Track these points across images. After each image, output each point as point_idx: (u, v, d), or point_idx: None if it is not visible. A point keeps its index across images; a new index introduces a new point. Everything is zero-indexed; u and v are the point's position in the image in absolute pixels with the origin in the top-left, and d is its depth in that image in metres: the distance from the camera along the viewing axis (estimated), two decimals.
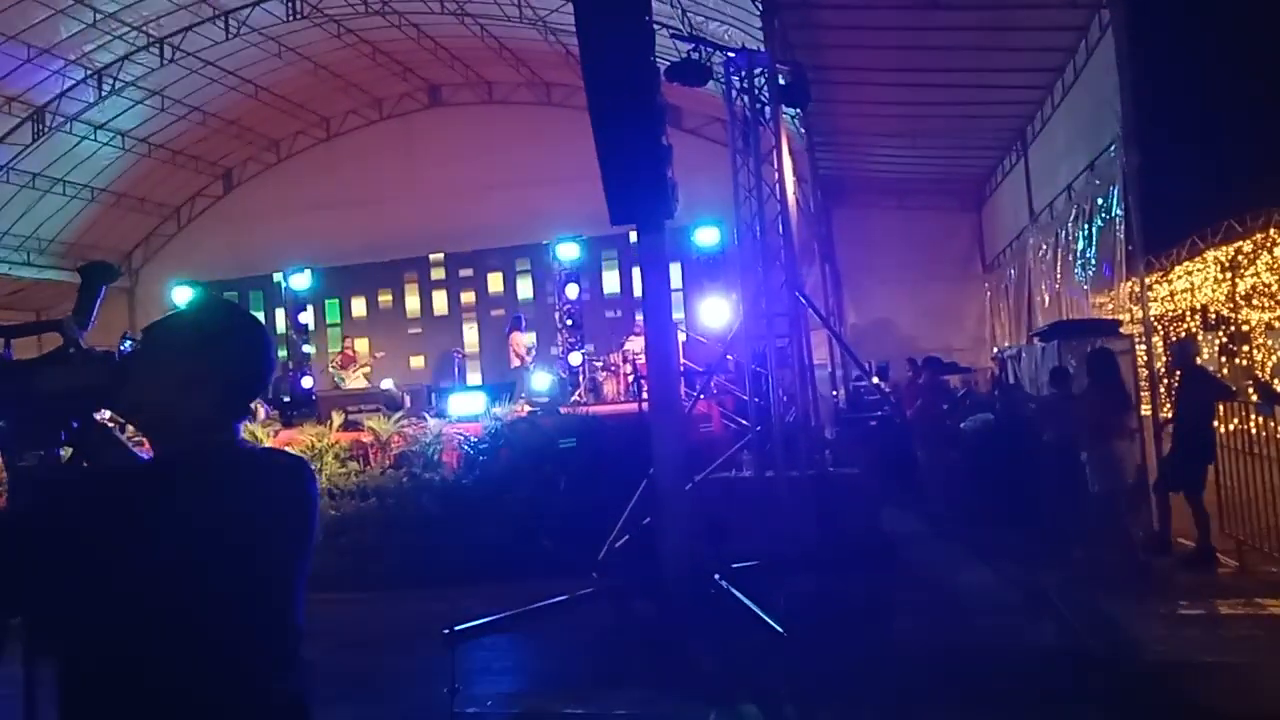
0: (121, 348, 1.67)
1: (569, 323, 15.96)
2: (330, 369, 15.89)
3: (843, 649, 5.82)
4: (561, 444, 8.62)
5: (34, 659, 1.59)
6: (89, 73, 15.90)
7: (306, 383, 15.53)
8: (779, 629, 5.96)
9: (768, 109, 9.14)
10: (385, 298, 19.18)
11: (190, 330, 1.64)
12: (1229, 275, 15.88)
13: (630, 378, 13.07)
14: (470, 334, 18.64)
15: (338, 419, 11.06)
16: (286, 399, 14.50)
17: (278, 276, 16.46)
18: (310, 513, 1.66)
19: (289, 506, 1.60)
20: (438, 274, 18.98)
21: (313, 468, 1.73)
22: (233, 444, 1.62)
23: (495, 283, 18.75)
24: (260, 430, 11.30)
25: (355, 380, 15.41)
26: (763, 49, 9.63)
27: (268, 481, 1.60)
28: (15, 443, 1.58)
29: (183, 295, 15.95)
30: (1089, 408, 7.39)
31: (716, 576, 6.67)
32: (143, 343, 1.61)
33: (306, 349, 16.54)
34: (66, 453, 1.65)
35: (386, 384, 13.93)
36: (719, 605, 6.45)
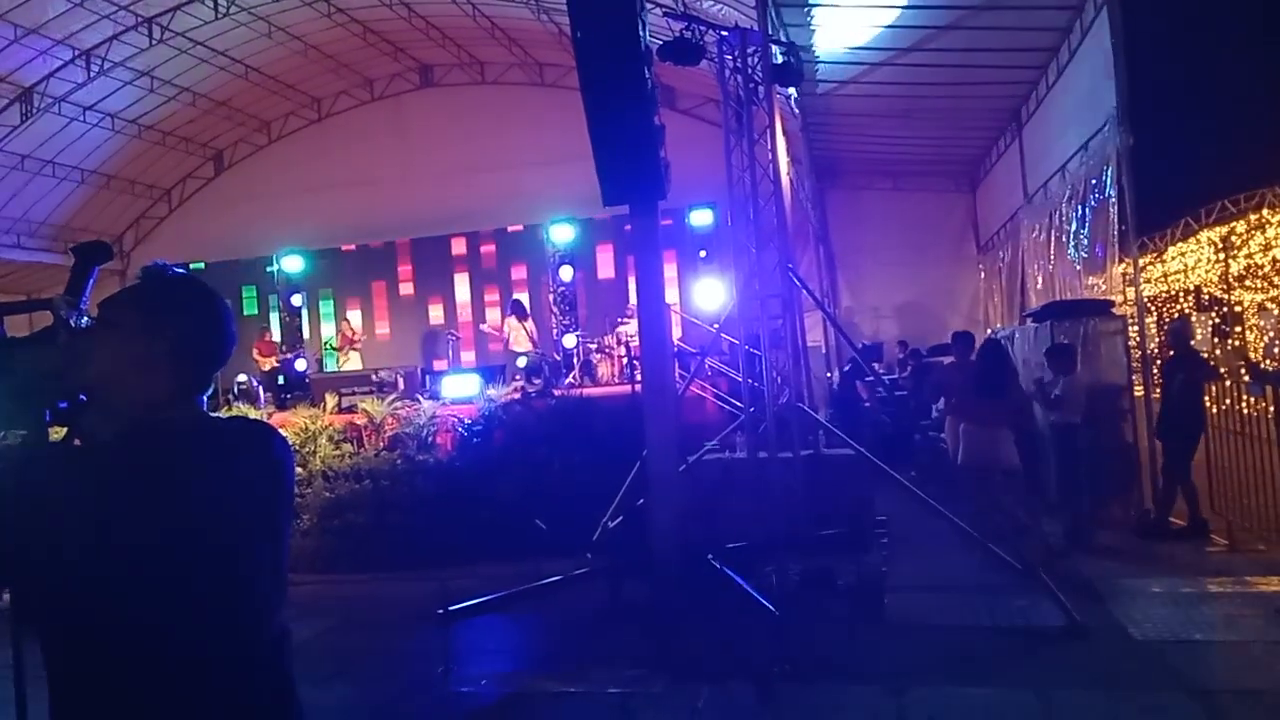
0: (80, 323, 1.65)
1: (564, 305, 15.97)
2: (333, 350, 15.83)
3: (835, 628, 5.86)
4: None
5: (22, 637, 1.59)
6: (77, 53, 15.72)
7: (300, 365, 15.52)
8: (771, 608, 6.00)
9: (761, 88, 9.09)
10: (378, 280, 19.12)
11: (144, 303, 1.62)
12: (1222, 256, 15.93)
13: (624, 360, 13.07)
14: (464, 316, 18.58)
15: (331, 401, 11.06)
16: (281, 380, 14.49)
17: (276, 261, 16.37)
18: (279, 478, 1.63)
19: (254, 474, 1.58)
20: (431, 256, 18.90)
21: (283, 434, 1.70)
22: (195, 417, 1.61)
23: (488, 265, 18.68)
24: (254, 412, 11.30)
25: (351, 362, 15.41)
26: (756, 27, 9.56)
27: (230, 451, 1.58)
28: (0, 420, 1.57)
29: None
30: (962, 387, 7.62)
31: (709, 557, 6.70)
32: (98, 319, 1.60)
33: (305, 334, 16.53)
34: (60, 432, 1.64)
35: (383, 373, 13.91)
36: (712, 585, 6.48)
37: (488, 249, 18.59)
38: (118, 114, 17.83)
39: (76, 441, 1.66)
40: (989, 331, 15.57)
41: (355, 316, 17.52)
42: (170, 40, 16.01)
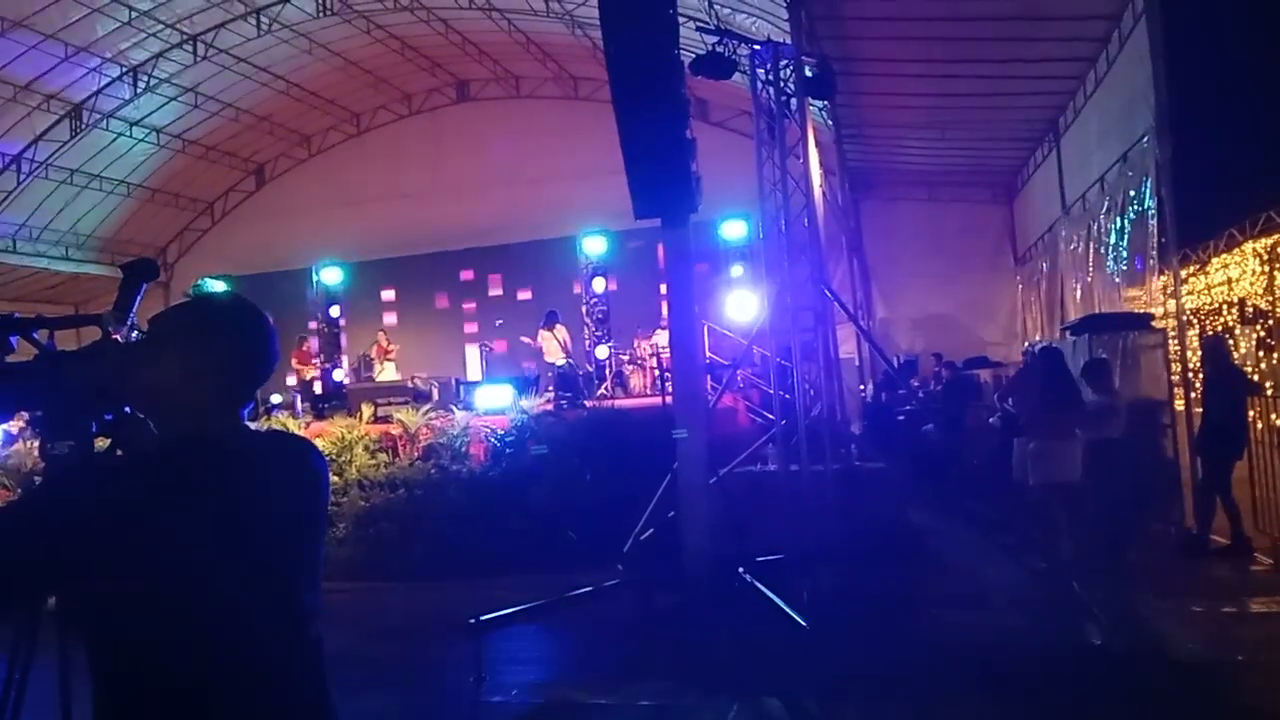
0: (131, 336, 1.71)
1: (600, 316, 16.03)
2: (371, 359, 16.04)
3: (867, 643, 5.80)
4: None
5: (68, 643, 1.64)
6: (124, 70, 16.18)
7: (338, 375, 15.74)
8: (802, 622, 5.97)
9: (793, 101, 9.10)
10: (415, 292, 19.33)
11: (194, 320, 1.67)
12: (1268, 268, 15.57)
13: (656, 371, 13.10)
14: (498, 327, 18.71)
15: (367, 411, 11.21)
16: (319, 390, 14.72)
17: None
18: (316, 489, 1.68)
19: (293, 486, 1.63)
20: (466, 268, 19.08)
21: (319, 447, 1.75)
22: (237, 429, 1.66)
23: (523, 277, 18.81)
24: (292, 422, 11.49)
25: (386, 373, 15.60)
26: (789, 41, 9.57)
27: (272, 463, 1.64)
28: (49, 432, 1.63)
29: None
30: (1033, 403, 7.44)
31: (741, 570, 6.68)
32: (149, 332, 1.65)
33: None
34: (104, 443, 1.70)
35: (415, 382, 14.08)
36: (743, 598, 6.47)
37: (523, 260, 18.72)
38: (163, 129, 18.28)
39: (119, 453, 1.72)
40: (1027, 344, 15.37)
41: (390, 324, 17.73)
42: (214, 57, 16.43)
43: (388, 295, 19.34)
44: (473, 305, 19.01)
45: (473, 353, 18.07)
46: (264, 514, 1.55)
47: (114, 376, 1.64)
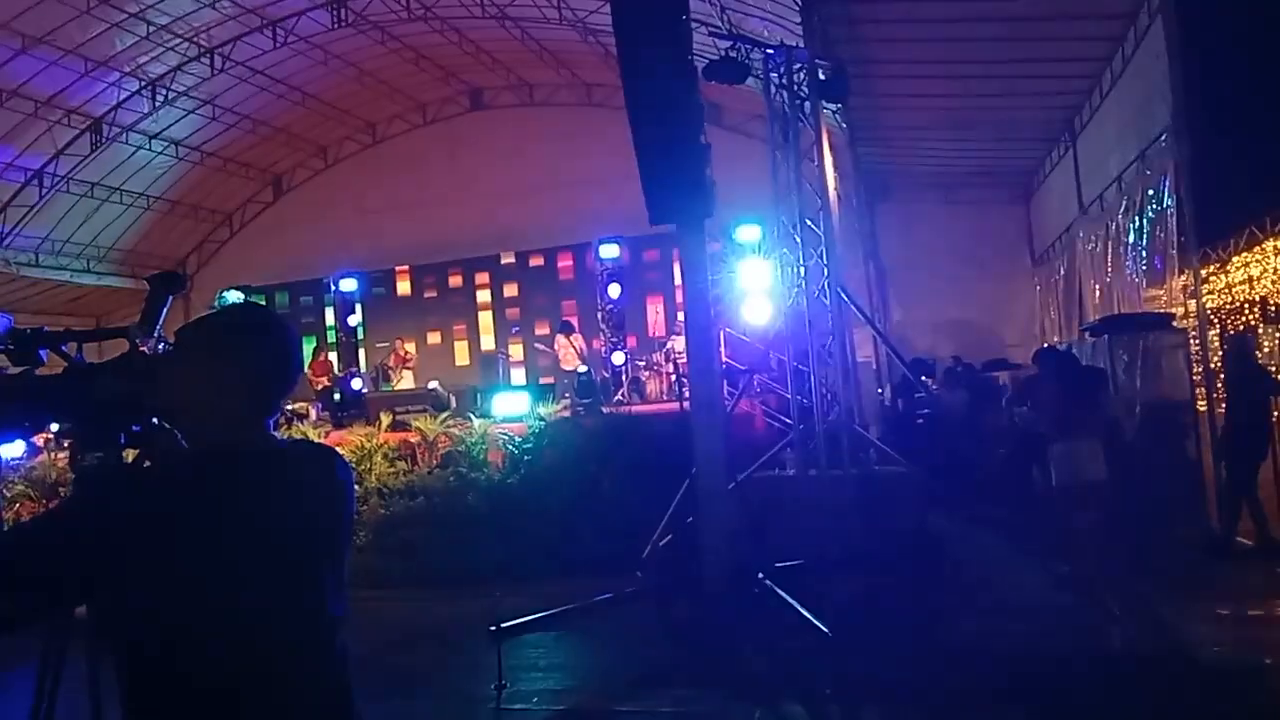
0: (158, 348, 1.74)
1: (612, 322, 16.04)
2: (389, 368, 16.12)
3: (888, 649, 5.77)
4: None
5: (97, 653, 1.66)
6: (143, 84, 16.37)
7: (356, 384, 15.80)
8: (824, 629, 5.94)
9: (807, 105, 9.09)
10: (431, 297, 19.43)
11: (219, 332, 1.70)
12: None
13: (673, 377, 13.08)
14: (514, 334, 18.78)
15: (386, 419, 11.25)
16: (337, 399, 14.78)
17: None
18: (344, 499, 1.71)
19: (320, 495, 1.65)
20: (482, 276, 19.17)
21: (343, 455, 1.77)
22: (264, 439, 1.68)
23: (538, 283, 18.87)
24: (312, 431, 11.55)
25: (405, 381, 15.66)
26: (802, 44, 9.57)
27: (298, 473, 1.66)
28: (79, 443, 1.65)
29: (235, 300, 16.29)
30: (1050, 404, 7.36)
31: (760, 576, 6.66)
32: (175, 345, 1.67)
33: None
34: (132, 454, 1.72)
35: (433, 384, 14.14)
36: (763, 605, 6.44)
37: (537, 265, 18.79)
38: (181, 141, 18.47)
39: (147, 463, 1.74)
40: (1046, 345, 15.24)
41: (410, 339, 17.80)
42: (231, 69, 16.60)
43: (404, 302, 19.46)
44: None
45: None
46: (291, 523, 1.56)
47: (142, 388, 1.66)
